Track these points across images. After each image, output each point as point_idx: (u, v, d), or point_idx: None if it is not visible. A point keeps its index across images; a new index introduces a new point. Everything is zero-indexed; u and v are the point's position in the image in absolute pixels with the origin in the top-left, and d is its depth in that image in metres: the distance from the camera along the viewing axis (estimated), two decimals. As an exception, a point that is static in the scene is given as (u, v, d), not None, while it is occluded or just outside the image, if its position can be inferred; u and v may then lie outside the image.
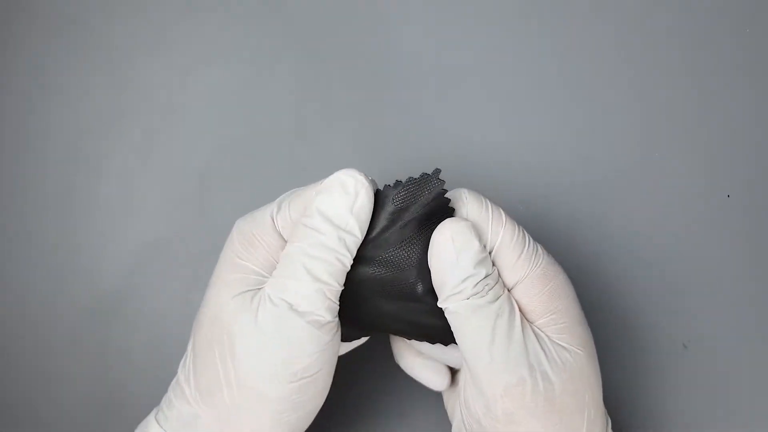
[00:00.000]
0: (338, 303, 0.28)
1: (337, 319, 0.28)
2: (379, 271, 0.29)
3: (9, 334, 0.38)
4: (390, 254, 0.28)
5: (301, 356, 0.27)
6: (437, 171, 0.28)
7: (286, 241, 0.29)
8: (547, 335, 0.28)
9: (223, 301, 0.28)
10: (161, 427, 0.29)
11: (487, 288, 0.27)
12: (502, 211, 0.29)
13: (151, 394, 0.37)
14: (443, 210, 0.28)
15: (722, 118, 0.41)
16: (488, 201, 0.29)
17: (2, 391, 0.38)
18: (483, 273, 0.27)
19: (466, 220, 0.28)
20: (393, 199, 0.28)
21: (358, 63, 0.42)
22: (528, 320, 0.29)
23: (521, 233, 0.29)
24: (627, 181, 0.40)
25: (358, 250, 0.28)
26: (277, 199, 0.30)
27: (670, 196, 0.40)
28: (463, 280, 0.27)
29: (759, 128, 0.41)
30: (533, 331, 0.28)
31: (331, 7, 0.43)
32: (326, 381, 0.29)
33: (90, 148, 0.41)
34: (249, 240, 0.29)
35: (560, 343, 0.28)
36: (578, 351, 0.28)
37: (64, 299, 0.39)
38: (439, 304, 0.28)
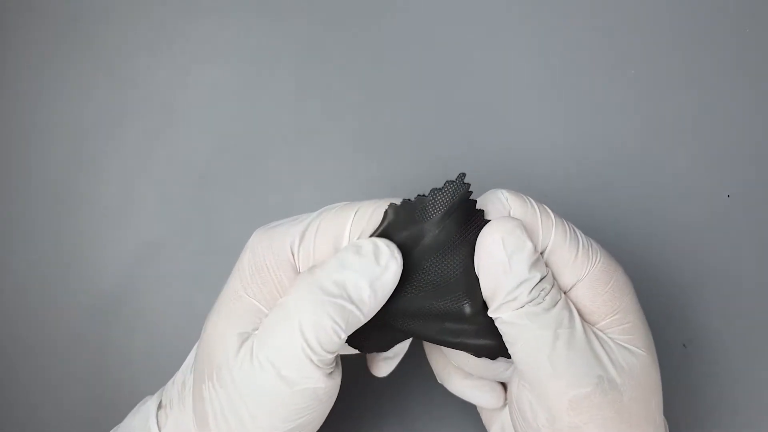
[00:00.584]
0: (334, 365, 0.26)
1: (334, 379, 0.26)
2: (415, 293, 0.26)
3: (9, 334, 0.38)
4: (428, 272, 0.26)
5: (286, 417, 0.25)
6: (462, 175, 0.25)
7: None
8: (610, 338, 0.26)
9: (219, 334, 0.26)
10: (158, 426, 0.28)
11: (543, 293, 0.25)
12: (547, 208, 0.27)
13: (151, 394, 0.37)
14: (475, 216, 0.26)
15: (722, 118, 0.41)
16: (531, 199, 0.27)
17: (2, 391, 0.38)
18: (538, 276, 0.25)
19: (515, 218, 0.26)
20: (421, 212, 0.25)
21: (359, 63, 0.42)
22: (589, 322, 0.26)
23: (573, 230, 0.27)
24: (627, 181, 0.40)
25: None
26: (303, 223, 0.26)
27: (670, 196, 0.40)
28: (518, 286, 0.25)
29: (759, 128, 0.41)
30: (596, 335, 0.26)
31: (331, 7, 0.43)
32: (320, 420, 0.27)
33: (90, 148, 0.41)
34: (260, 271, 0.26)
35: (625, 345, 0.26)
36: (642, 353, 0.26)
37: (64, 299, 0.39)
38: (490, 314, 0.26)
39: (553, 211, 0.27)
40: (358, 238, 0.26)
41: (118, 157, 0.41)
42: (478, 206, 0.26)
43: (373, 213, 0.26)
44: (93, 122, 0.41)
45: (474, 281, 0.26)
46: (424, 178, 0.40)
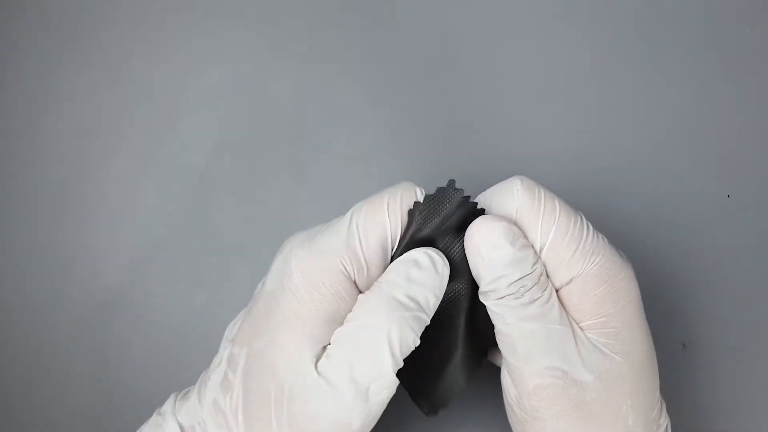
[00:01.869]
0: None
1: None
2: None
3: (9, 334, 0.38)
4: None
5: (353, 425, 0.26)
6: (452, 182, 0.27)
7: (357, 288, 0.27)
8: (589, 339, 0.27)
9: (288, 355, 0.26)
10: None
11: (523, 290, 0.27)
12: (557, 201, 0.28)
13: (151, 394, 0.37)
14: (476, 215, 0.27)
15: (722, 118, 0.41)
16: (543, 191, 0.28)
17: (2, 391, 0.38)
18: (517, 274, 0.26)
19: (499, 218, 0.27)
20: (416, 219, 0.27)
21: (358, 63, 0.42)
22: (575, 319, 0.28)
23: (580, 226, 0.28)
24: (626, 181, 0.40)
25: None
26: (342, 232, 0.27)
27: (670, 196, 0.40)
28: (495, 280, 0.27)
29: (759, 128, 0.41)
30: (574, 332, 0.27)
31: (331, 7, 0.43)
32: None
33: (90, 148, 0.41)
34: (316, 287, 0.27)
35: (601, 348, 0.27)
36: (618, 359, 0.27)
37: (65, 299, 0.39)
38: (479, 298, 0.28)
39: (566, 205, 0.28)
40: (403, 246, 0.28)
41: (118, 157, 0.41)
42: (498, 190, 0.28)
43: (401, 202, 0.27)
44: (93, 122, 0.41)
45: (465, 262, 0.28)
46: (425, 176, 0.40)
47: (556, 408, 0.27)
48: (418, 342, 0.27)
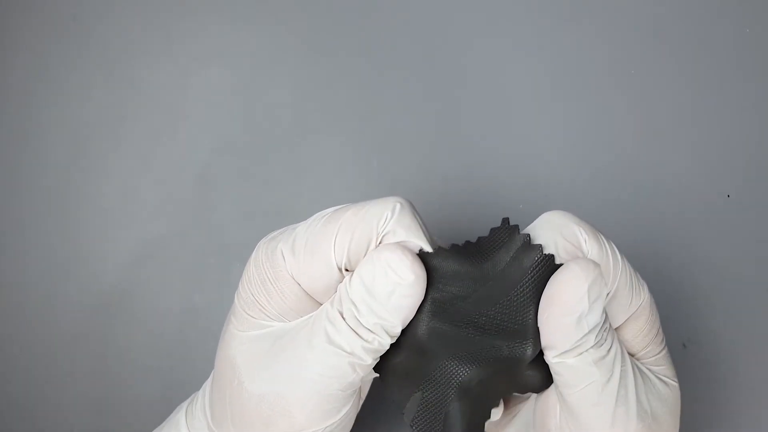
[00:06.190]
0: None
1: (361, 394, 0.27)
2: (471, 334, 0.25)
3: (9, 334, 0.38)
4: (496, 314, 0.25)
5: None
6: (506, 220, 0.25)
7: (300, 287, 0.26)
8: (649, 369, 0.27)
9: (236, 341, 0.26)
10: None
11: (605, 334, 0.25)
12: (614, 246, 0.26)
13: (151, 393, 0.37)
14: (542, 259, 0.24)
15: (722, 119, 0.41)
16: (602, 236, 0.26)
17: (2, 391, 0.38)
18: (604, 320, 0.24)
19: (597, 263, 0.24)
20: (480, 254, 0.25)
21: (358, 63, 0.42)
22: (630, 354, 0.27)
23: (625, 265, 0.26)
24: (626, 181, 0.40)
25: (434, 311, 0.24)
26: (291, 237, 0.26)
27: (670, 196, 0.40)
28: (589, 332, 0.24)
29: (759, 128, 0.41)
30: (639, 369, 0.26)
31: (331, 7, 0.43)
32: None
33: (90, 148, 0.41)
34: (263, 282, 0.26)
35: (660, 376, 0.27)
36: (674, 383, 0.27)
37: (64, 299, 0.39)
38: (552, 358, 0.25)
39: (616, 248, 0.26)
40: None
41: (119, 157, 0.41)
42: (547, 228, 0.25)
43: (356, 230, 0.25)
44: (93, 122, 0.41)
45: (536, 322, 0.25)
46: (424, 178, 0.40)
47: None
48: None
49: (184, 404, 0.30)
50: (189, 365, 0.38)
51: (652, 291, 0.38)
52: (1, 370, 0.38)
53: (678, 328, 0.38)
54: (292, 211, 0.40)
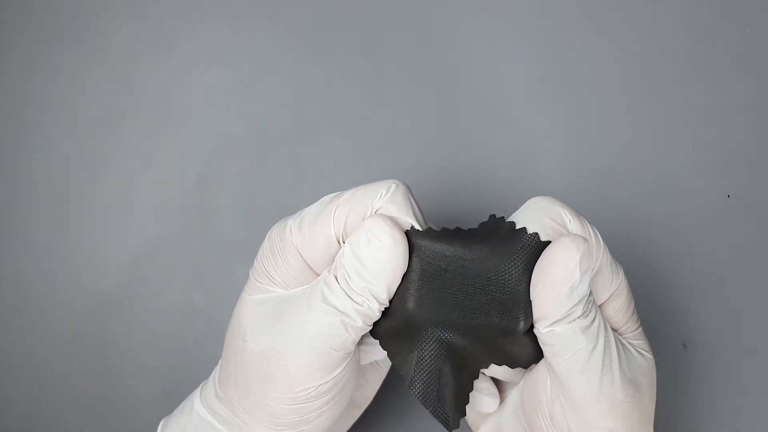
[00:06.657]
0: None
1: (356, 355, 0.27)
2: (461, 298, 0.26)
3: (9, 334, 0.38)
4: (486, 284, 0.26)
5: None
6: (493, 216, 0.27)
7: (304, 259, 0.28)
8: (630, 343, 0.28)
9: (243, 300, 0.29)
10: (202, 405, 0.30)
11: (590, 306, 0.26)
12: (594, 227, 0.27)
13: (151, 393, 0.37)
14: (527, 239, 0.26)
15: (722, 119, 0.41)
16: (584, 219, 0.27)
17: (2, 391, 0.38)
18: (590, 291, 0.26)
19: (585, 238, 0.26)
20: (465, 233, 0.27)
21: (358, 63, 0.42)
22: (612, 329, 0.28)
23: (605, 246, 0.27)
24: (626, 181, 0.40)
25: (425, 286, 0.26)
26: (299, 217, 0.29)
27: (670, 196, 0.40)
28: (578, 302, 0.25)
29: (759, 128, 0.41)
30: (620, 341, 0.27)
31: (331, 7, 0.43)
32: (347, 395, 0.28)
33: (90, 148, 0.41)
34: (273, 253, 0.28)
35: (639, 350, 0.28)
36: (650, 356, 0.28)
37: (64, 299, 0.39)
38: (544, 328, 0.26)
39: (598, 231, 0.27)
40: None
41: (119, 157, 0.41)
42: (533, 211, 0.27)
43: (353, 206, 0.27)
44: (93, 122, 0.41)
45: (528, 295, 0.26)
46: (424, 177, 0.40)
47: (628, 421, 0.26)
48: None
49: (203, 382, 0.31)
50: (189, 365, 0.38)
51: (652, 290, 0.38)
52: (1, 370, 0.38)
53: (678, 328, 0.38)
54: (292, 211, 0.40)
